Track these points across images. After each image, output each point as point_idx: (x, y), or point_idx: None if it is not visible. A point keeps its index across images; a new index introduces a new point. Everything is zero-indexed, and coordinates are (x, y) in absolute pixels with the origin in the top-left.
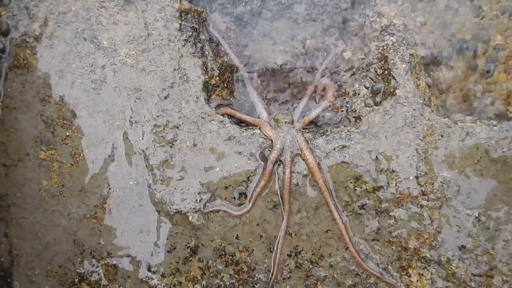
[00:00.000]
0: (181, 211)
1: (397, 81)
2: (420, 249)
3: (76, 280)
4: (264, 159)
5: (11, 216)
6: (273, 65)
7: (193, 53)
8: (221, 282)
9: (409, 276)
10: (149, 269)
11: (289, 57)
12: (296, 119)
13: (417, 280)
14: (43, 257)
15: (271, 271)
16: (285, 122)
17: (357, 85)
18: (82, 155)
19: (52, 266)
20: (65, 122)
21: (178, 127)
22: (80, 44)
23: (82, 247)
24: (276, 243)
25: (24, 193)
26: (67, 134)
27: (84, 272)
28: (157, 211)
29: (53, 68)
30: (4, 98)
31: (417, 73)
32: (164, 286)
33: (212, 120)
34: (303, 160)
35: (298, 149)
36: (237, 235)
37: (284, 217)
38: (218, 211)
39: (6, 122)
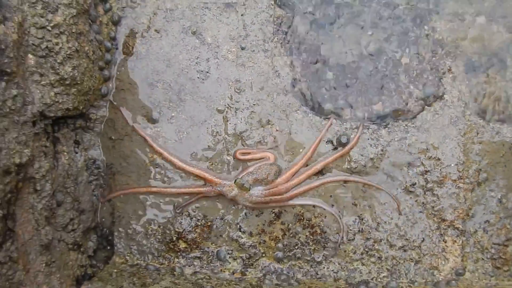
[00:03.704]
0: None
1: (445, 87)
2: (455, 221)
3: (175, 238)
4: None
5: (115, 182)
6: (343, 62)
7: (283, 52)
8: (298, 241)
9: (445, 242)
10: (239, 229)
11: (356, 57)
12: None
13: (451, 246)
14: (143, 218)
15: (340, 234)
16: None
17: (412, 87)
18: (185, 133)
19: (152, 226)
20: (171, 104)
21: (270, 114)
22: (187, 39)
23: (182, 209)
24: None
25: (129, 163)
26: (173, 114)
27: (182, 231)
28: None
29: (161, 58)
30: (114, 80)
31: (460, 81)
32: (251, 243)
33: (298, 110)
34: None
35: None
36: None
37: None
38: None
39: (115, 101)
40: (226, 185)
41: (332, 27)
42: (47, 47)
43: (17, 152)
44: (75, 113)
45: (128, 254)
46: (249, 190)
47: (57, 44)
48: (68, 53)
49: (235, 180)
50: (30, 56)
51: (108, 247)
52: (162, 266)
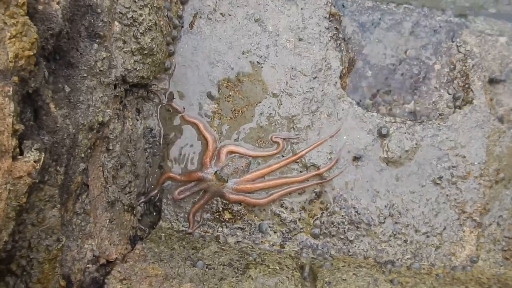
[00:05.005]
0: (315, 164)
1: (474, 94)
2: (473, 214)
3: (221, 208)
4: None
5: (168, 152)
6: (382, 63)
7: (335, 47)
8: (334, 220)
9: (463, 232)
10: (282, 205)
11: (393, 60)
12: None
13: (468, 235)
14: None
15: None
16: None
17: (442, 90)
18: (240, 112)
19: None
20: (229, 83)
21: (320, 102)
22: (250, 25)
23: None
24: None
25: (183, 135)
26: (230, 94)
27: (229, 203)
28: (295, 162)
29: (223, 40)
30: (176, 56)
31: (486, 90)
32: (292, 218)
33: (344, 100)
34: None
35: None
36: (352, 187)
37: None
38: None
39: (176, 75)
40: (209, 173)
41: (375, 31)
42: (132, 16)
43: (101, 111)
44: (146, 82)
45: (175, 221)
46: (226, 182)
47: (140, 15)
48: (149, 25)
49: (215, 172)
50: (116, 23)
51: (154, 213)
52: (206, 234)
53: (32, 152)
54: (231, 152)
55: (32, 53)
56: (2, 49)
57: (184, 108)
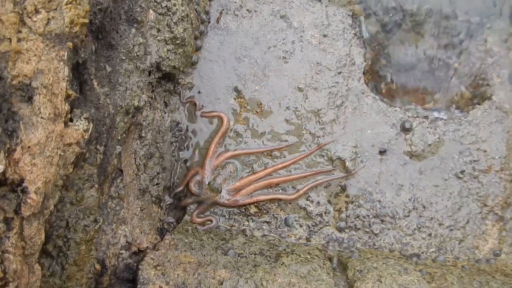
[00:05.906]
0: (341, 157)
1: (493, 90)
2: (495, 207)
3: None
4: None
5: (194, 147)
6: (403, 61)
7: (358, 44)
8: (359, 213)
9: (486, 225)
10: (308, 198)
11: (414, 59)
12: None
13: (490, 229)
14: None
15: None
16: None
17: (462, 87)
18: (266, 106)
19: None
20: (255, 78)
21: (344, 96)
22: (275, 21)
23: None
24: None
25: (209, 129)
26: (256, 88)
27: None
28: (321, 155)
29: (250, 35)
30: (203, 51)
31: (505, 87)
32: (318, 212)
33: (368, 95)
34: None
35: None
36: (377, 180)
37: None
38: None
39: (202, 70)
40: (206, 183)
41: (397, 31)
42: (166, 6)
43: (137, 96)
44: (176, 73)
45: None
46: (220, 193)
47: (174, 5)
48: (181, 15)
49: (209, 183)
50: (151, 11)
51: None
52: (233, 227)
53: (81, 121)
54: (229, 158)
55: (86, 21)
56: (59, 13)
57: (202, 105)
